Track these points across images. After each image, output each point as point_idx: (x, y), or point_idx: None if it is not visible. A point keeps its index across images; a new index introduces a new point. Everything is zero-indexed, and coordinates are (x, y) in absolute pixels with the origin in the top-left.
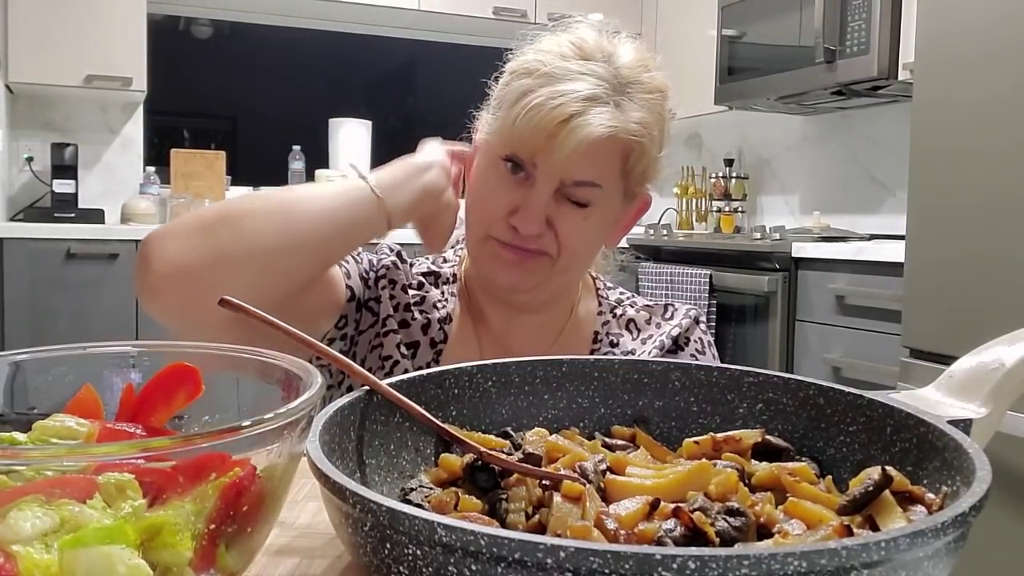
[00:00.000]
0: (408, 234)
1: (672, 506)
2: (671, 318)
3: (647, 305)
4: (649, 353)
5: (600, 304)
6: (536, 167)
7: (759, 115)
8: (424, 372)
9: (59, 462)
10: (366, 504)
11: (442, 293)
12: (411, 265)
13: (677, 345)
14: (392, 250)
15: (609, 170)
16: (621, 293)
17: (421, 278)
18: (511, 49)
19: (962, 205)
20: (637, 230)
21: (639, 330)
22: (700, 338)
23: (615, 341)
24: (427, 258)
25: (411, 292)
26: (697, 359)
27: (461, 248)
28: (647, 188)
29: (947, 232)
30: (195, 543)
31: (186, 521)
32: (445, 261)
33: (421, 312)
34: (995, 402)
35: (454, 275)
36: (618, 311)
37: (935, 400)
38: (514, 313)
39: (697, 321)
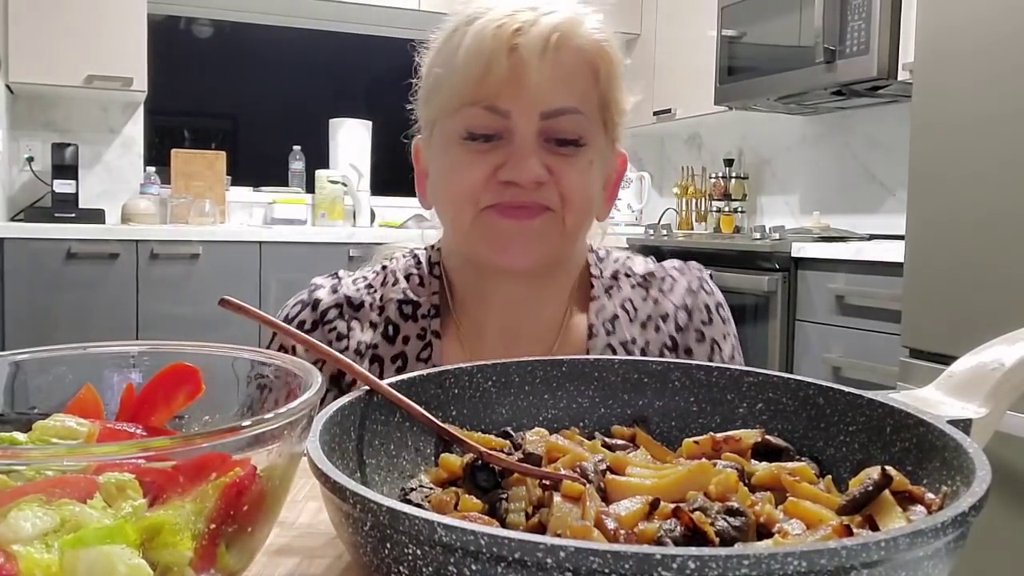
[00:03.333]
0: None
1: (672, 506)
2: (671, 291)
3: (643, 278)
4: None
5: (593, 286)
6: (509, 110)
7: (759, 115)
8: (424, 372)
9: (59, 462)
10: (366, 504)
11: (422, 329)
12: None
13: (681, 341)
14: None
15: (586, 92)
16: (615, 261)
17: (388, 315)
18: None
19: (962, 205)
20: (637, 230)
21: (636, 309)
22: (704, 305)
23: (610, 329)
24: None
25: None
26: (703, 331)
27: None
28: (619, 143)
29: (947, 232)
30: (195, 543)
31: (186, 521)
32: (421, 284)
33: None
34: (995, 402)
35: (435, 308)
36: (613, 291)
37: (935, 400)
38: (513, 324)
39: (697, 290)
